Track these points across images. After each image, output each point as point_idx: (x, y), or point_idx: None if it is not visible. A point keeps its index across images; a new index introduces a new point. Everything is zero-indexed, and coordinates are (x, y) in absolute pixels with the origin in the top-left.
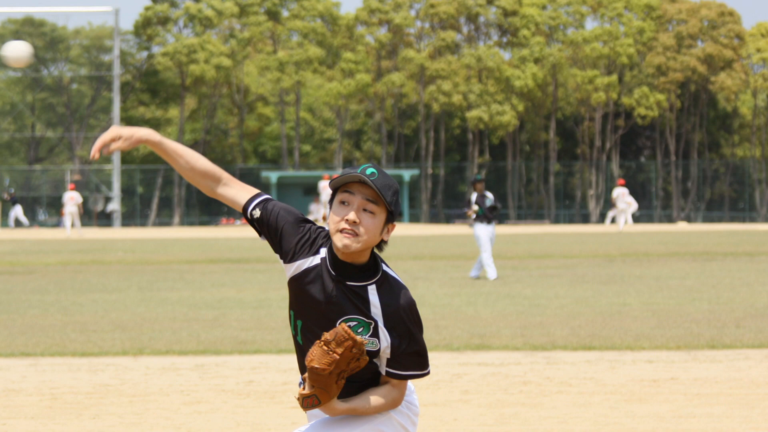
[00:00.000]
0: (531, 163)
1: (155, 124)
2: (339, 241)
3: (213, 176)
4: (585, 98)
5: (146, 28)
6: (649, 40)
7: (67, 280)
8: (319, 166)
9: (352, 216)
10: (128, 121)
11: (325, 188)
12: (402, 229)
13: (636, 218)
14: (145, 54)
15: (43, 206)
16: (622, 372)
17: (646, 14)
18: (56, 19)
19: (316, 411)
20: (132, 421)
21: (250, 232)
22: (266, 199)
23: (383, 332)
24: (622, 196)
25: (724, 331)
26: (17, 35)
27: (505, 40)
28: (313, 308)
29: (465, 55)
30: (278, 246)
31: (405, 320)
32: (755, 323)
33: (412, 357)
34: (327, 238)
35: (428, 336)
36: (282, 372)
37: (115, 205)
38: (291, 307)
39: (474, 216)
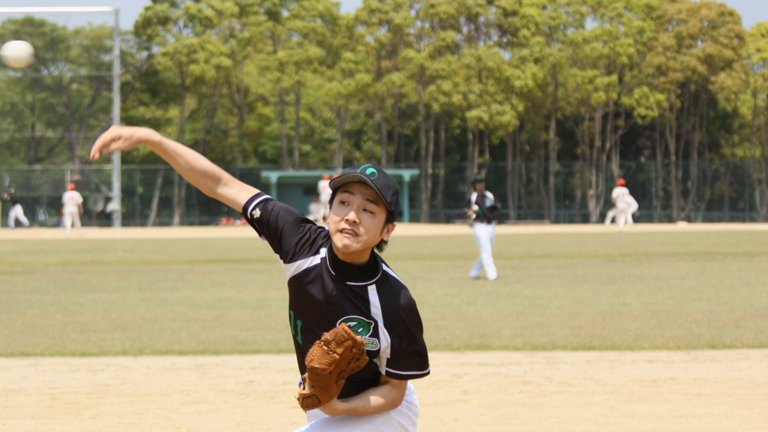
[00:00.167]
0: (531, 163)
1: (155, 124)
2: (339, 241)
3: (213, 176)
4: (585, 98)
5: (146, 28)
6: (649, 40)
7: (67, 280)
8: (319, 166)
9: (352, 216)
10: (128, 121)
11: (325, 188)
12: (402, 229)
13: (636, 218)
14: (145, 54)
15: (43, 206)
16: (622, 372)
17: (646, 14)
18: (56, 19)
19: (316, 411)
20: (132, 421)
21: (250, 232)
22: (266, 199)
23: (383, 332)
24: (622, 196)
25: (724, 331)
26: (17, 35)
27: (505, 40)
28: (313, 308)
29: (465, 55)
30: (278, 246)
31: (405, 320)
32: (755, 323)
33: (412, 357)
34: (327, 238)
35: (428, 336)
36: (282, 372)
37: (115, 205)
38: (291, 307)
39: (474, 216)
